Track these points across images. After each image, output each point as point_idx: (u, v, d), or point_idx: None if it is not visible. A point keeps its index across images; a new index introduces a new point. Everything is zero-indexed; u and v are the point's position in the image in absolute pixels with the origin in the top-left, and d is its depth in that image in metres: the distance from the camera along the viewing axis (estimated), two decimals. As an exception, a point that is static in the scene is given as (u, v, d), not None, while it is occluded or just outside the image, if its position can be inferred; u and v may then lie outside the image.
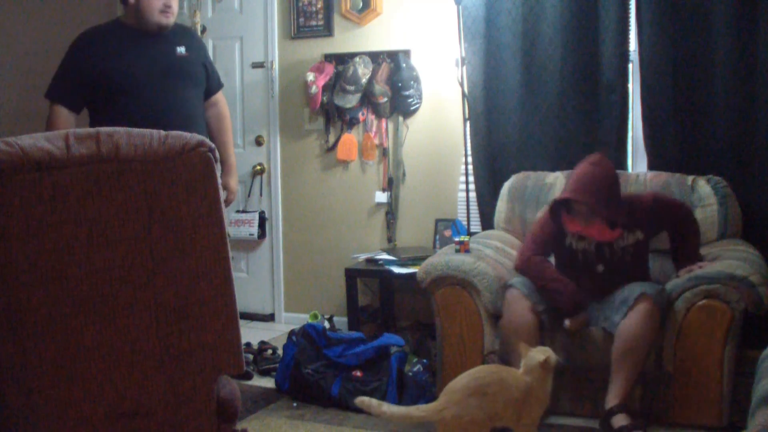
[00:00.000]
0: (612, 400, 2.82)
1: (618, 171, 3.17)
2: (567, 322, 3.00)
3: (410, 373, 3.28)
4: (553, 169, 3.78)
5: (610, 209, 2.96)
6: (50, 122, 3.10)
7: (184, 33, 3.33)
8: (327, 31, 4.54)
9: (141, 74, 3.12)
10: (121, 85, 3.09)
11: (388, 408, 2.46)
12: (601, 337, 2.98)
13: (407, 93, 4.30)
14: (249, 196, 4.80)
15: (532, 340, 2.90)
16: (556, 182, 3.66)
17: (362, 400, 2.47)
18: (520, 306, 3.00)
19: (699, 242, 3.15)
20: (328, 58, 4.53)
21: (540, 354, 2.60)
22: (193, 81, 3.30)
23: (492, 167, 4.02)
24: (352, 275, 4.13)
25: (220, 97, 3.50)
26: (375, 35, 4.44)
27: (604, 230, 2.97)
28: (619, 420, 2.78)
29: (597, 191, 2.93)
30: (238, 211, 4.80)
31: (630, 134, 3.83)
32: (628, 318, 2.84)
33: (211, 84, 3.43)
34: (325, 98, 4.49)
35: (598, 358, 2.97)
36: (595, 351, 2.99)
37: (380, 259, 4.11)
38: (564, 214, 3.05)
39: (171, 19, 3.17)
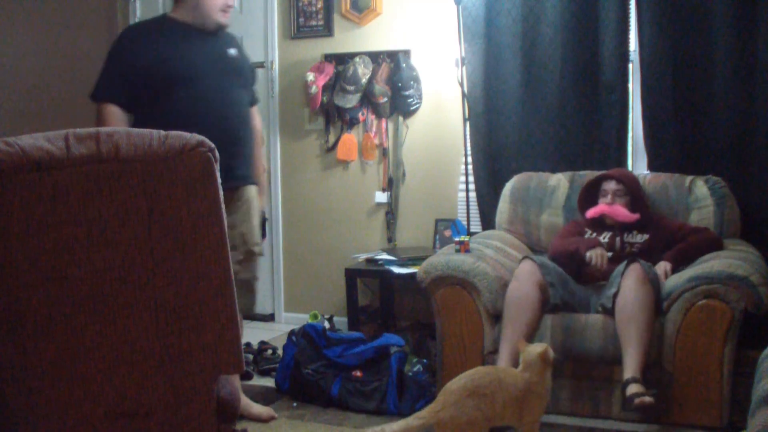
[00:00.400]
0: (627, 373, 2.84)
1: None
2: (588, 254, 3.13)
3: (410, 373, 3.28)
4: (552, 169, 3.78)
5: (635, 193, 3.28)
6: (103, 124, 2.81)
7: (231, 37, 3.18)
8: (327, 31, 4.55)
9: (201, 65, 2.95)
10: (181, 76, 2.89)
11: (389, 428, 2.49)
12: (600, 323, 2.99)
13: (407, 93, 4.30)
14: (249, 196, 4.80)
15: (532, 315, 3.01)
16: (560, 185, 3.67)
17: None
18: (529, 278, 3.08)
19: (695, 252, 3.18)
20: (328, 58, 4.53)
21: (538, 347, 2.61)
22: (245, 83, 3.18)
23: (492, 167, 4.02)
24: (352, 275, 4.13)
25: (256, 111, 3.28)
26: (375, 35, 4.44)
27: (624, 211, 3.27)
28: (632, 389, 2.79)
29: (626, 174, 3.35)
30: (238, 211, 4.79)
31: (630, 134, 3.83)
32: (621, 288, 2.93)
33: (253, 93, 3.29)
34: (325, 98, 4.49)
35: (599, 345, 2.97)
36: (596, 337, 2.98)
37: (380, 259, 4.11)
38: (585, 206, 3.40)
39: (229, 19, 3.05)
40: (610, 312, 2.95)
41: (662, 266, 3.13)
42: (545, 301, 3.07)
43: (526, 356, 2.61)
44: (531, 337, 3.00)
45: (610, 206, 3.30)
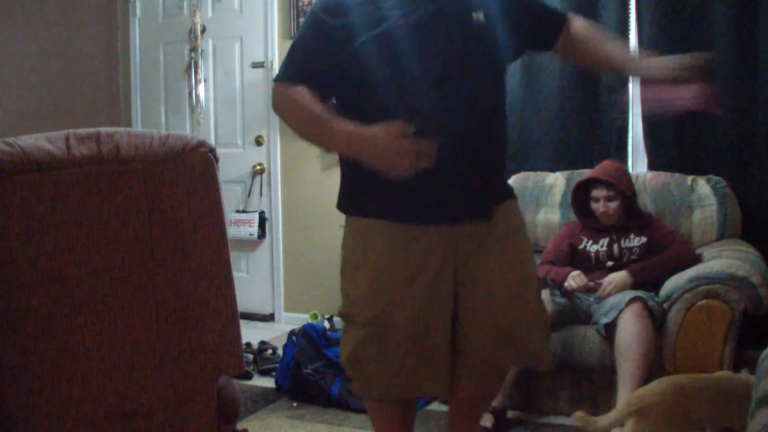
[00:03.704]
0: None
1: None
2: (566, 285, 3.11)
3: (410, 373, 3.28)
4: (552, 169, 3.78)
5: (626, 192, 3.22)
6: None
7: None
8: (327, 31, 4.54)
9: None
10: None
11: (604, 419, 2.42)
12: (598, 338, 2.98)
13: (407, 93, 4.28)
14: (249, 196, 4.80)
15: None
16: (557, 183, 3.66)
17: (579, 416, 2.43)
18: None
19: (661, 271, 3.12)
20: (328, 58, 4.53)
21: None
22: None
23: (492, 167, 4.02)
24: (352, 275, 4.13)
25: (569, 22, 2.08)
26: (375, 35, 4.43)
27: (621, 209, 3.22)
28: None
29: (615, 170, 3.29)
30: (238, 211, 4.80)
31: (630, 134, 3.83)
32: (620, 321, 2.86)
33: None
34: (325, 98, 4.47)
35: (597, 358, 2.96)
36: (594, 351, 2.98)
37: (380, 259, 4.10)
38: (578, 214, 3.35)
39: None
40: (606, 337, 2.93)
41: (616, 279, 3.05)
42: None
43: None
44: None
45: (604, 207, 3.22)
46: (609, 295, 3.02)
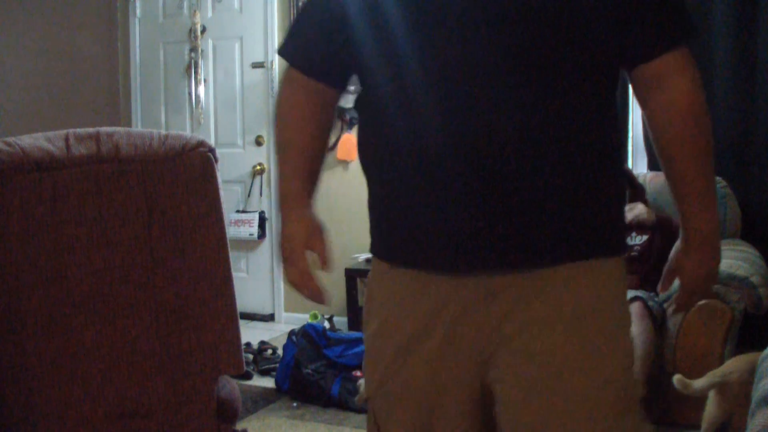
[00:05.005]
0: None
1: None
2: None
3: (410, 373, 3.28)
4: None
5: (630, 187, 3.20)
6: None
7: None
8: (327, 31, 4.54)
9: None
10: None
11: (697, 383, 2.47)
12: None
13: (407, 93, 4.26)
14: (249, 196, 4.80)
15: None
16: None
17: (678, 378, 2.48)
18: None
19: None
20: (328, 58, 4.53)
21: None
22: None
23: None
24: (352, 275, 4.13)
25: (675, 62, 1.27)
26: (375, 35, 4.44)
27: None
28: None
29: None
30: (238, 211, 4.80)
31: (630, 134, 3.83)
32: None
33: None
34: (325, 98, 4.47)
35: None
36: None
37: (380, 259, 4.10)
38: None
39: None
40: None
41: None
42: None
43: None
44: None
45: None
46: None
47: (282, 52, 1.41)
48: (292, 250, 1.46)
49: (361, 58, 1.28)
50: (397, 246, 1.34)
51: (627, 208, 3.23)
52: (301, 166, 1.50)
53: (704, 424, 2.48)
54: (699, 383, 2.47)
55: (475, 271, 1.21)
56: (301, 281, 1.45)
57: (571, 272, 1.20)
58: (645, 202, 3.29)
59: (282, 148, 1.47)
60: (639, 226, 3.23)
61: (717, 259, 1.36)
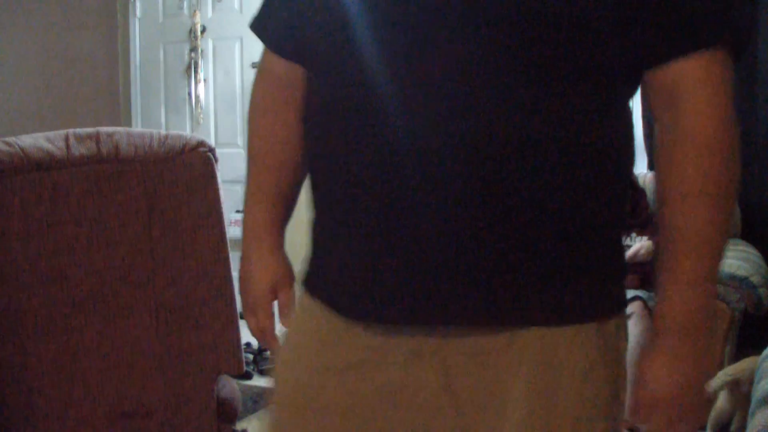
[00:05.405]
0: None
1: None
2: None
3: (410, 373, 3.27)
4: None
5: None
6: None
7: None
8: (327, 31, 4.54)
9: None
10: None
11: (724, 373, 2.48)
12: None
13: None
14: (249, 196, 4.80)
15: None
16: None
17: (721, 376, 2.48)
18: None
19: None
20: (328, 58, 4.53)
21: None
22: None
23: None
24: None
25: (694, 73, 0.87)
26: (375, 35, 4.43)
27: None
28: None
29: None
30: (238, 211, 4.79)
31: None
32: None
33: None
34: (325, 98, 4.46)
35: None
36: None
37: (380, 259, 4.10)
38: None
39: None
40: None
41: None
42: None
43: None
44: None
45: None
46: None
47: (254, 26, 1.18)
48: (255, 301, 1.19)
49: (341, 55, 0.97)
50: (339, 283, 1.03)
51: (630, 242, 3.24)
52: (267, 186, 1.17)
53: (711, 421, 2.49)
54: (714, 384, 2.47)
55: (424, 324, 0.92)
56: (262, 339, 1.22)
57: (560, 335, 0.94)
58: (646, 206, 3.29)
59: (248, 162, 1.17)
60: (639, 227, 3.24)
61: (703, 365, 0.99)
